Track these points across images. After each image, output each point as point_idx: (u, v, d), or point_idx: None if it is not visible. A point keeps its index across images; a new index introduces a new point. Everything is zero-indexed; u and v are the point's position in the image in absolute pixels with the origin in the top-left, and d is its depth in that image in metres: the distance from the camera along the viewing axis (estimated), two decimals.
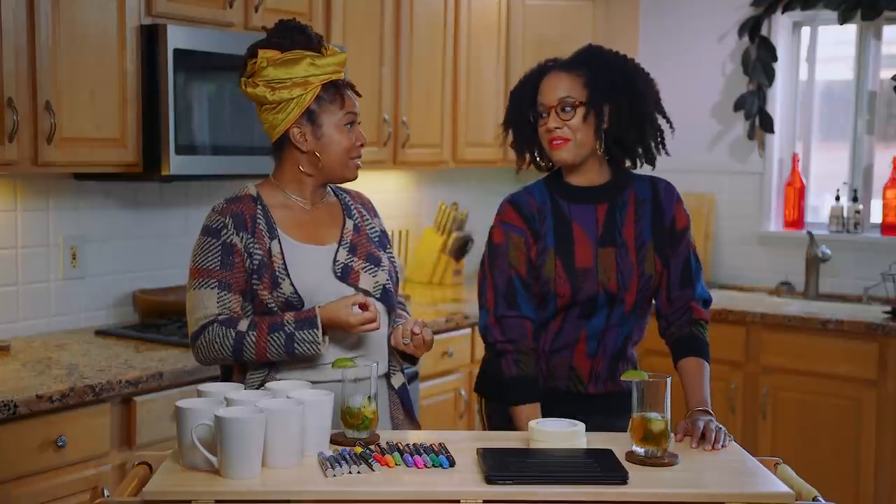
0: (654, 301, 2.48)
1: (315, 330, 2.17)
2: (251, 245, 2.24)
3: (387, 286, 2.34)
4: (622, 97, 2.36)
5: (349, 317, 2.18)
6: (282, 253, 2.24)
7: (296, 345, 2.17)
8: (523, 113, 2.44)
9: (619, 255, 2.39)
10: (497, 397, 2.47)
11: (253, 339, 2.18)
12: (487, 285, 2.42)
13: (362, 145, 2.33)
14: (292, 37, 2.26)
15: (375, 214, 2.46)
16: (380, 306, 2.32)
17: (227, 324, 2.20)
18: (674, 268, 2.43)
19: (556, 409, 2.33)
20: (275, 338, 2.18)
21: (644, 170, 2.50)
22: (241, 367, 2.27)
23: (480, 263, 2.49)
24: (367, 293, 2.30)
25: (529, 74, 2.47)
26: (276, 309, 2.23)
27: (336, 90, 2.28)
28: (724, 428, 2.16)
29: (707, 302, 2.46)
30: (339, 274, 2.28)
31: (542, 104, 2.39)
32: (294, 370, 2.25)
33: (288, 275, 2.23)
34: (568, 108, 2.36)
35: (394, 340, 2.32)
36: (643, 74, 2.43)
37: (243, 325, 2.20)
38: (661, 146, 2.46)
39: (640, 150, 2.44)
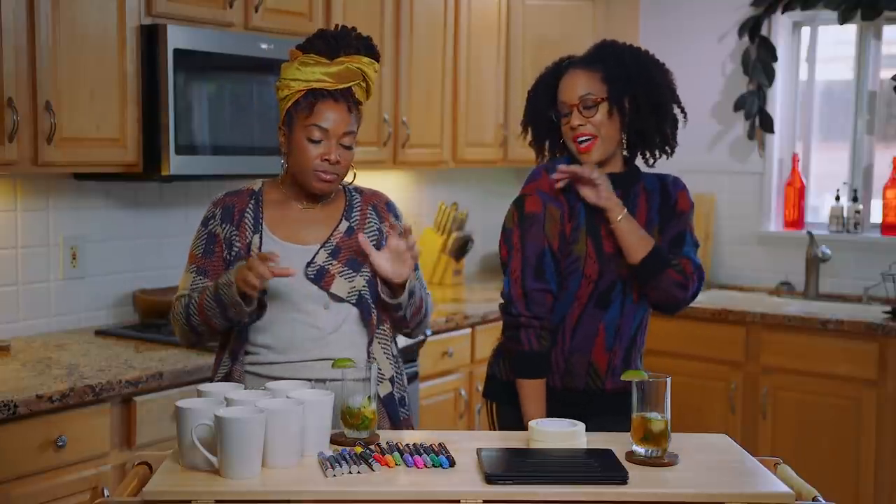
0: None
1: (229, 273, 2.19)
2: (233, 237, 2.29)
3: (363, 293, 2.31)
4: (639, 89, 2.40)
5: (256, 257, 2.14)
6: (259, 248, 2.28)
7: (220, 290, 2.19)
8: (542, 112, 2.48)
9: None
10: (507, 400, 2.48)
11: (196, 299, 2.25)
12: (515, 255, 2.41)
13: (329, 161, 2.25)
14: (314, 41, 2.28)
15: (391, 216, 2.41)
16: (354, 311, 2.31)
17: (190, 297, 2.28)
18: (666, 236, 2.46)
19: (573, 408, 2.32)
20: (208, 290, 2.22)
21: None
22: (217, 358, 2.34)
23: (503, 229, 2.48)
24: (339, 299, 2.29)
25: (545, 74, 2.51)
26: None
27: (313, 99, 2.24)
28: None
29: (698, 267, 2.42)
30: (311, 276, 2.28)
31: (564, 103, 2.43)
32: (262, 365, 2.28)
33: None
34: (590, 105, 2.39)
35: (374, 263, 2.25)
36: (658, 64, 2.46)
37: (195, 294, 2.27)
38: (674, 135, 2.49)
39: (657, 140, 2.47)
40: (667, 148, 2.49)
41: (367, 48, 2.31)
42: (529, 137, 2.55)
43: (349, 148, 2.29)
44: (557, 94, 2.45)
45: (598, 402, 2.42)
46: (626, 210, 2.37)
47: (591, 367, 2.43)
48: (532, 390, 2.40)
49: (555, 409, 2.39)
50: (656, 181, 2.51)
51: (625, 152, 2.50)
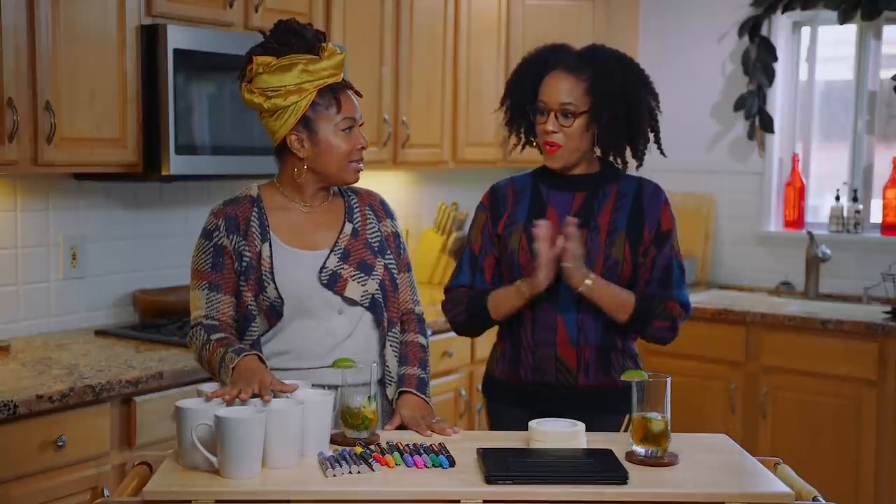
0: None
1: (231, 361, 2.11)
2: (242, 247, 2.25)
3: (375, 296, 2.31)
4: (620, 107, 2.38)
5: (261, 377, 2.04)
6: (270, 257, 2.25)
7: (222, 363, 2.13)
8: (522, 102, 2.47)
9: (589, 238, 2.39)
10: (499, 398, 2.49)
11: (209, 348, 2.18)
12: None
13: (363, 148, 2.30)
14: (288, 41, 2.22)
15: (387, 215, 2.41)
16: (367, 315, 2.31)
17: (209, 330, 2.22)
18: (657, 266, 2.42)
19: (547, 404, 2.34)
20: (219, 352, 2.15)
21: (634, 171, 2.52)
22: None
23: None
24: (353, 302, 2.29)
25: (534, 59, 2.47)
26: (255, 313, 2.25)
27: (332, 95, 2.24)
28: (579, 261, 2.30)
29: (685, 306, 2.43)
30: (325, 281, 2.26)
31: (544, 102, 2.41)
32: (276, 371, 2.24)
33: (273, 279, 2.23)
34: (568, 115, 2.38)
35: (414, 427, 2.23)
36: (644, 81, 2.44)
37: (217, 335, 2.20)
38: (643, 150, 2.47)
39: (625, 151, 2.46)
40: (635, 159, 2.47)
41: (323, 35, 2.29)
42: (506, 118, 2.54)
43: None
44: (539, 90, 2.43)
45: (570, 397, 2.40)
46: (589, 279, 2.33)
47: (558, 362, 2.41)
48: (495, 292, 2.44)
49: (527, 402, 2.40)
50: (633, 185, 2.47)
51: (597, 154, 2.48)
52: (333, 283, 2.27)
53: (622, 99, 2.38)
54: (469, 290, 2.50)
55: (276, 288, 2.23)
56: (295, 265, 2.26)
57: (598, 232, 2.40)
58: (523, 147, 2.56)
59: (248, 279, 2.24)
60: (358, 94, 2.32)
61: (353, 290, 2.28)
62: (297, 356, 2.27)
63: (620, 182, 2.47)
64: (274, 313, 2.25)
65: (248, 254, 2.25)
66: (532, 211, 2.45)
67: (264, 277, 2.23)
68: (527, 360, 2.44)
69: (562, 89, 2.38)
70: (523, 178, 2.53)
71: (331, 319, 2.27)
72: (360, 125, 2.31)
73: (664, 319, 2.39)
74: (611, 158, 2.50)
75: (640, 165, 2.49)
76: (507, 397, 2.48)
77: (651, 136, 2.48)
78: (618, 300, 2.37)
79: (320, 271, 2.27)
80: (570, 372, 2.41)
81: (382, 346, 2.33)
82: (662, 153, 2.50)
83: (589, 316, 2.40)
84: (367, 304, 2.30)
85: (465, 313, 2.48)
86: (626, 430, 2.31)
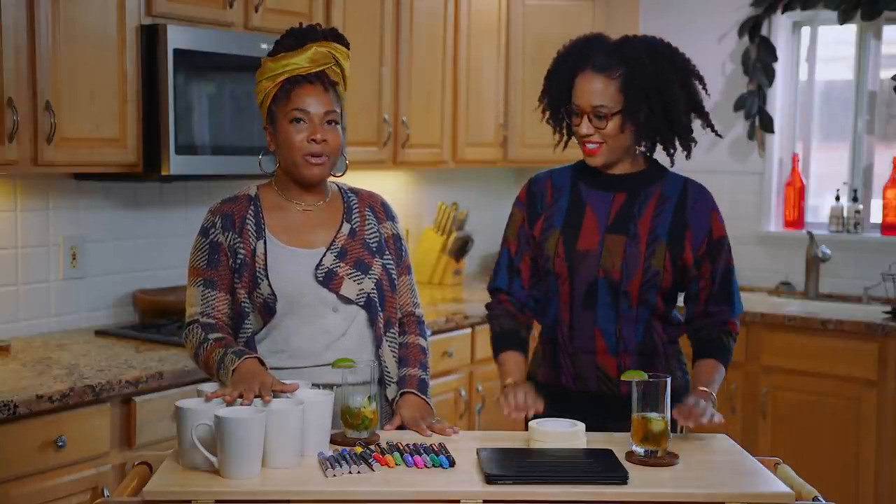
0: (686, 306, 2.45)
1: (231, 363, 2.11)
2: (237, 244, 2.25)
3: (371, 295, 2.30)
4: (656, 102, 2.32)
5: (262, 379, 2.05)
6: (265, 254, 2.25)
7: (221, 364, 2.15)
8: (559, 102, 2.41)
9: (628, 244, 2.34)
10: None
11: (206, 348, 2.20)
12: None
13: (315, 141, 2.23)
14: (282, 41, 2.27)
15: (388, 217, 2.40)
16: (362, 314, 2.31)
17: (206, 329, 2.23)
18: (716, 282, 2.41)
19: (592, 413, 2.27)
20: (216, 353, 2.16)
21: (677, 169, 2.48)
22: None
23: None
24: (348, 301, 2.28)
25: (567, 55, 2.40)
26: (249, 310, 2.25)
27: (289, 86, 2.24)
28: (712, 406, 2.18)
29: (740, 316, 2.47)
30: (320, 279, 2.26)
31: (577, 105, 2.35)
32: (270, 370, 2.24)
33: (267, 276, 2.23)
34: (602, 116, 2.32)
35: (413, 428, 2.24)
36: (679, 67, 2.38)
37: (215, 334, 2.21)
38: (690, 135, 2.43)
39: (671, 139, 2.41)
40: (683, 144, 2.42)
41: (335, 36, 2.29)
42: (545, 116, 2.48)
43: (335, 125, 2.26)
44: (572, 91, 2.36)
45: (614, 407, 2.30)
46: (712, 395, 2.29)
47: (599, 370, 2.37)
48: (504, 361, 2.44)
49: (571, 409, 2.29)
50: (678, 186, 2.42)
51: (641, 148, 2.43)
52: (329, 280, 2.27)
53: (655, 92, 2.32)
54: (508, 299, 2.46)
55: (270, 284, 2.23)
56: (289, 262, 2.26)
57: (637, 240, 2.34)
58: (566, 144, 2.48)
59: (242, 276, 2.24)
60: (326, 88, 2.25)
61: (349, 288, 2.28)
62: (291, 354, 2.27)
63: (664, 182, 2.41)
64: (267, 310, 2.25)
65: (242, 251, 2.25)
66: (570, 213, 2.39)
67: (258, 274, 2.24)
68: (567, 366, 2.40)
69: (593, 91, 2.32)
70: (563, 171, 2.47)
71: (325, 317, 2.27)
72: (330, 122, 2.25)
73: (733, 341, 2.46)
74: (656, 153, 2.44)
75: (688, 156, 2.45)
76: (552, 402, 2.35)
77: (699, 121, 2.42)
78: (716, 378, 2.37)
79: (316, 268, 2.27)
80: (612, 380, 2.36)
81: (378, 346, 2.32)
82: (691, 147, 2.44)
83: (629, 325, 2.36)
84: (362, 303, 2.30)
85: (492, 341, 2.50)
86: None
